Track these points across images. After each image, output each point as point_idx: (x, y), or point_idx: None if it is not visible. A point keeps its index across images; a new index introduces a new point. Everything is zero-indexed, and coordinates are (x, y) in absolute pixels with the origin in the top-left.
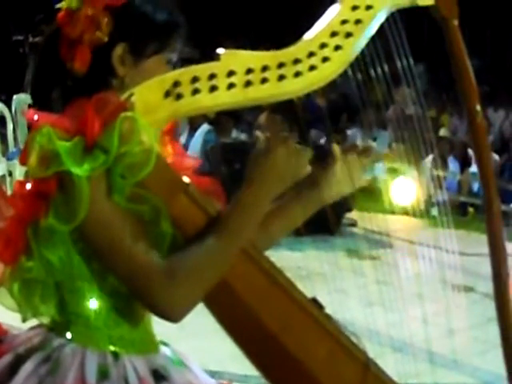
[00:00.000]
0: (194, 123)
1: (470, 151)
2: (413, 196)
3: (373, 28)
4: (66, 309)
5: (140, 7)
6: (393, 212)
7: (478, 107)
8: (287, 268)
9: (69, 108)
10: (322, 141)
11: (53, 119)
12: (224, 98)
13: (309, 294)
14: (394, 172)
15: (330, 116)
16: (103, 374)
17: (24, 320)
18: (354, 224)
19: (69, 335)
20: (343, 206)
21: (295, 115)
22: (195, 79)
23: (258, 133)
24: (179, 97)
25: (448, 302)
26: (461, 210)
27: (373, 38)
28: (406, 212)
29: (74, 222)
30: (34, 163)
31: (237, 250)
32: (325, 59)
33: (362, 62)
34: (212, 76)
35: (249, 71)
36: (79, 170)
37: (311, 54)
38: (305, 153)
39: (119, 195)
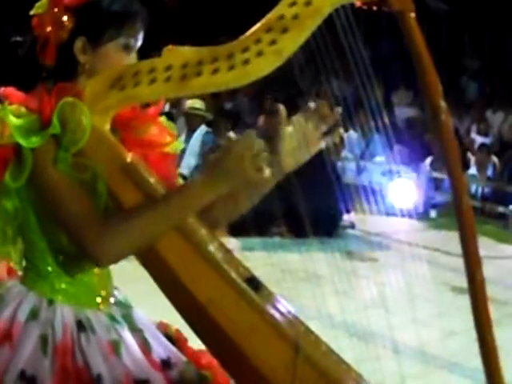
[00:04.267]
0: (192, 124)
1: (469, 153)
2: (411, 198)
3: (314, 22)
4: (24, 255)
5: (97, 2)
6: (391, 214)
7: (443, 103)
8: (286, 270)
9: (35, 91)
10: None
11: (21, 99)
12: (162, 90)
13: (308, 296)
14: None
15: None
16: (34, 314)
17: None
18: (352, 226)
19: (21, 279)
20: (340, 208)
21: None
22: (137, 73)
23: (229, 134)
24: (122, 88)
25: (447, 304)
26: None
27: (370, 40)
28: (404, 214)
29: (20, 181)
30: None
31: (166, 227)
32: (259, 53)
33: (361, 66)
34: (152, 70)
35: (185, 65)
36: (25, 142)
37: (245, 49)
38: (263, 159)
39: (63, 164)
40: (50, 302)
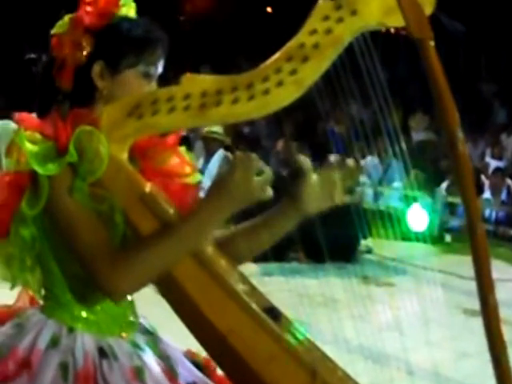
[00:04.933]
0: (210, 148)
1: (483, 177)
2: (427, 223)
3: (335, 51)
4: (43, 284)
5: (117, 26)
6: (407, 239)
7: (460, 133)
8: (304, 295)
9: (49, 117)
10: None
11: (35, 124)
12: (180, 119)
13: (325, 320)
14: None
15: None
16: (54, 342)
17: (11, 288)
18: (369, 251)
19: (41, 307)
20: (358, 233)
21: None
22: (155, 101)
23: (227, 154)
24: (140, 116)
25: (460, 327)
26: None
27: (389, 66)
28: (420, 238)
29: (36, 209)
30: (13, 159)
31: (179, 255)
32: (279, 83)
33: (378, 90)
34: (170, 98)
35: (204, 94)
36: (41, 170)
37: (265, 79)
38: (264, 177)
39: (80, 193)
40: (71, 330)
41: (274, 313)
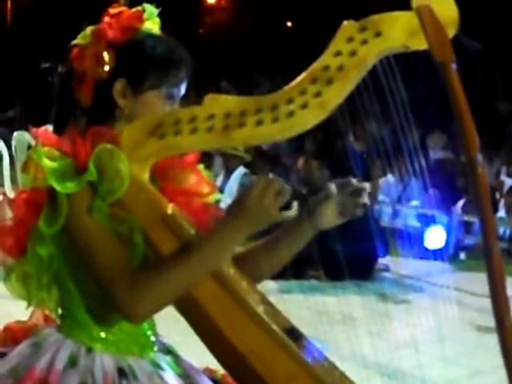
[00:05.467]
0: (230, 165)
1: (498, 195)
2: (443, 241)
3: (359, 74)
4: (60, 303)
5: (141, 44)
6: (424, 257)
7: (479, 157)
8: (323, 312)
9: (67, 133)
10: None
11: (53, 141)
12: (203, 140)
13: (343, 337)
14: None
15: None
16: (72, 362)
17: (27, 307)
18: (387, 269)
19: (58, 326)
20: (376, 251)
21: (334, 159)
22: (178, 121)
23: (253, 177)
24: (162, 136)
25: (473, 343)
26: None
27: (407, 85)
28: (436, 257)
29: (55, 228)
30: (30, 175)
31: (199, 276)
32: (304, 106)
33: (398, 108)
34: (193, 119)
35: (227, 115)
36: (60, 187)
37: (290, 101)
38: (283, 197)
39: (99, 213)
40: (89, 350)
41: (294, 334)
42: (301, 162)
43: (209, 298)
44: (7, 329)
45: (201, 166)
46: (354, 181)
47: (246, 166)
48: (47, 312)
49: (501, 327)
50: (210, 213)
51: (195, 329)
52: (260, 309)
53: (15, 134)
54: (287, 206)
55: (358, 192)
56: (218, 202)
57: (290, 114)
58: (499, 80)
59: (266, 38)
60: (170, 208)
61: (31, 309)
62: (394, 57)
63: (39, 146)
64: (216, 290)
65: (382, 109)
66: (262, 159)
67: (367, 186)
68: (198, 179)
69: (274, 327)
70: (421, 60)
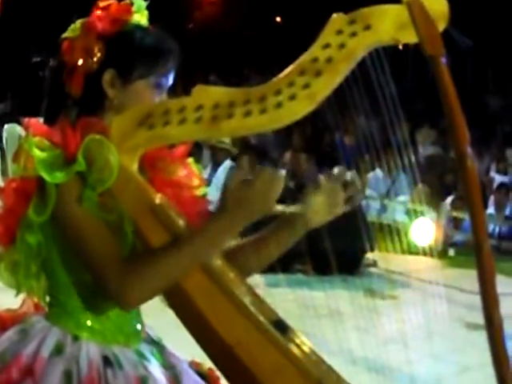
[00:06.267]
0: (217, 158)
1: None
2: (431, 237)
3: (348, 66)
4: (48, 291)
5: (130, 35)
6: (412, 252)
7: (469, 149)
8: (309, 306)
9: (58, 124)
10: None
11: (44, 131)
12: (192, 131)
13: (330, 332)
14: (413, 213)
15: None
16: (58, 350)
17: (16, 294)
18: (373, 264)
19: (46, 314)
20: (363, 246)
21: (322, 153)
22: (167, 112)
23: (243, 162)
24: (151, 127)
25: (462, 340)
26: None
27: (396, 79)
28: (424, 252)
29: (43, 217)
30: (20, 165)
31: (191, 266)
32: (292, 97)
33: (387, 103)
34: (182, 109)
35: (216, 106)
36: (49, 177)
37: (278, 92)
38: (277, 185)
39: (89, 203)
40: (75, 338)
41: (281, 326)
42: (288, 155)
43: (196, 289)
44: None
45: (190, 160)
46: (348, 173)
47: (233, 159)
48: (36, 300)
49: (490, 324)
50: (199, 205)
51: (183, 320)
52: (247, 300)
53: (6, 126)
54: (281, 200)
55: (351, 184)
56: (204, 194)
57: (278, 105)
58: (490, 75)
59: (256, 33)
60: (159, 198)
61: (22, 298)
62: (383, 51)
63: (30, 136)
64: (204, 281)
65: (371, 103)
66: (249, 153)
67: (356, 177)
68: (188, 172)
69: (261, 319)
70: (410, 54)
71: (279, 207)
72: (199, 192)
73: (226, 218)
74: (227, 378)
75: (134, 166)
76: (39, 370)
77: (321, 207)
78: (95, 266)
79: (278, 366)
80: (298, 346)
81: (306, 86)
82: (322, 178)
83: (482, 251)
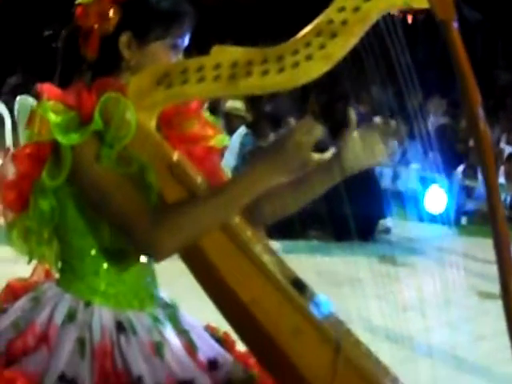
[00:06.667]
0: (231, 125)
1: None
2: (444, 205)
3: (362, 28)
4: (60, 256)
5: None
6: (425, 220)
7: (481, 111)
8: (324, 272)
9: (73, 87)
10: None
11: (58, 94)
12: (210, 89)
13: (344, 298)
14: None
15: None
16: (70, 317)
17: (28, 262)
18: (387, 231)
19: (57, 280)
20: (378, 212)
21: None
22: (185, 70)
23: (291, 120)
24: (169, 85)
25: (475, 309)
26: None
27: (408, 48)
28: (437, 220)
29: (58, 181)
30: (34, 129)
31: (223, 217)
32: (308, 57)
33: (398, 72)
34: (200, 68)
35: (234, 65)
36: (64, 139)
37: (295, 52)
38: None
39: (107, 160)
40: (88, 304)
41: (299, 285)
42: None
43: (213, 246)
44: (9, 286)
45: (205, 111)
46: (392, 122)
47: (248, 126)
48: (47, 268)
49: (505, 292)
50: (213, 157)
51: (199, 278)
52: (265, 258)
53: (18, 98)
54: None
55: (397, 133)
56: (221, 144)
57: (295, 64)
58: (499, 49)
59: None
60: (176, 155)
61: (32, 267)
62: (394, 22)
63: (45, 100)
64: (221, 238)
65: (384, 73)
66: (264, 120)
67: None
68: (202, 124)
69: (279, 277)
70: (420, 26)
71: (316, 156)
72: (217, 142)
73: (263, 170)
74: (244, 340)
75: (152, 124)
76: (53, 338)
77: (359, 153)
78: (122, 221)
79: (296, 326)
80: (316, 305)
81: (322, 46)
82: (351, 113)
83: (496, 215)
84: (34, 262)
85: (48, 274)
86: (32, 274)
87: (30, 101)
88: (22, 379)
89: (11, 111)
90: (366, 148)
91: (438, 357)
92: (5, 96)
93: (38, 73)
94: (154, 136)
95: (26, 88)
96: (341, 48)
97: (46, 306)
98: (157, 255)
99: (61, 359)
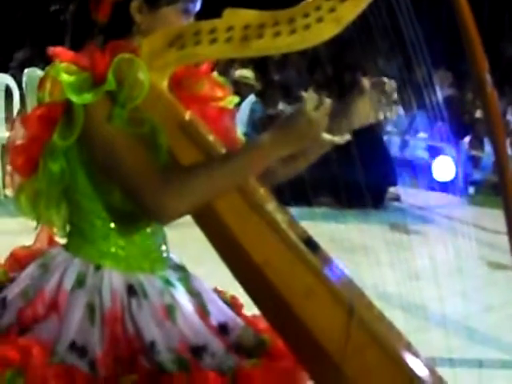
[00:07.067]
0: (241, 94)
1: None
2: (452, 174)
3: None
4: (69, 219)
5: None
6: (433, 188)
7: (488, 76)
8: (332, 239)
9: (86, 49)
10: None
11: (71, 56)
12: (222, 50)
13: (353, 266)
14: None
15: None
16: (80, 282)
17: (36, 227)
18: (397, 198)
19: (66, 245)
20: (387, 179)
21: (343, 92)
22: (198, 32)
23: (305, 94)
24: (182, 47)
25: (483, 279)
26: (496, 190)
27: (415, 20)
28: (445, 189)
29: (69, 140)
30: (45, 92)
31: (233, 183)
32: (319, 20)
33: (403, 43)
34: (213, 30)
35: (246, 27)
36: (77, 99)
37: (306, 15)
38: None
39: (119, 120)
40: (97, 268)
41: (312, 244)
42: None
43: (226, 205)
44: (13, 255)
45: (215, 74)
46: (386, 80)
47: (257, 94)
48: (50, 234)
49: None
50: (226, 117)
51: (211, 239)
52: (278, 217)
53: (26, 70)
54: None
55: (390, 91)
56: (231, 104)
57: (307, 26)
58: (506, 22)
59: None
60: (188, 115)
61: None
62: None
63: (57, 62)
64: (234, 197)
65: (391, 43)
66: (272, 89)
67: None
68: (212, 85)
69: (292, 236)
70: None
71: (328, 137)
72: (227, 103)
73: (273, 143)
74: (255, 301)
75: (164, 84)
76: (63, 304)
77: (366, 109)
78: (131, 181)
79: (309, 287)
80: (328, 266)
81: (332, 9)
82: (364, 81)
83: (505, 182)
84: (37, 232)
85: (51, 242)
86: (35, 242)
87: (38, 73)
88: (36, 347)
89: (19, 84)
90: (368, 109)
91: (451, 326)
92: (13, 70)
93: (46, 47)
94: (166, 96)
95: (34, 62)
96: (350, 11)
97: (55, 272)
98: (165, 217)
99: (71, 327)
